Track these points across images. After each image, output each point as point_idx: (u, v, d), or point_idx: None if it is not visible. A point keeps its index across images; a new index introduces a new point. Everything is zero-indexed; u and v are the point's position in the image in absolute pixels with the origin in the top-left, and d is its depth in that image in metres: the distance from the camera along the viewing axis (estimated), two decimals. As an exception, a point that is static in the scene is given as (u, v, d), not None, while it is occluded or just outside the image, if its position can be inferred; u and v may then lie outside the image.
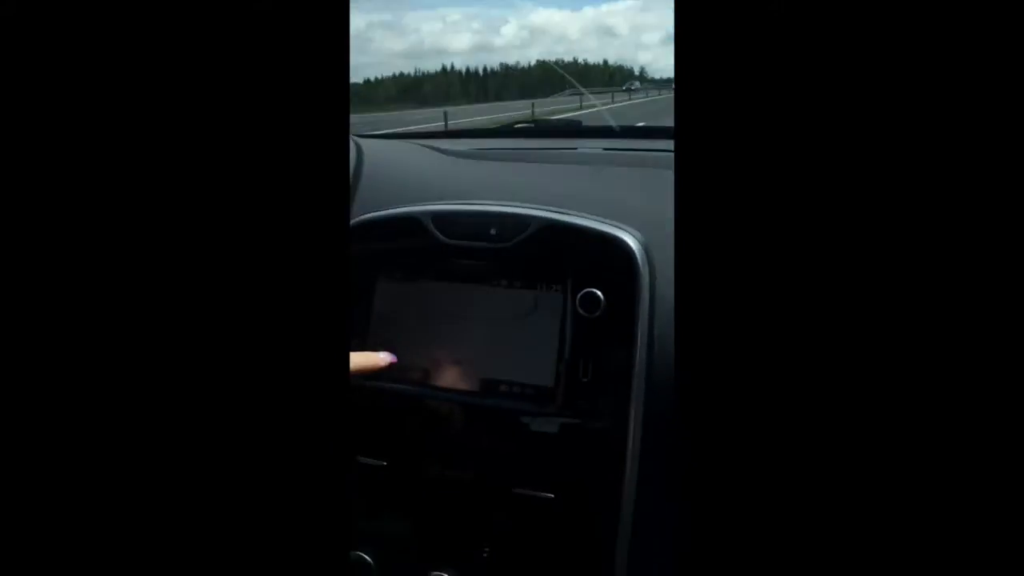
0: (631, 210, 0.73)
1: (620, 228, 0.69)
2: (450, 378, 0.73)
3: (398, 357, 0.75)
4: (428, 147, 1.12)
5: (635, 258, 0.67)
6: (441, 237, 0.74)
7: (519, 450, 0.71)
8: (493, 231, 0.72)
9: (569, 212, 0.72)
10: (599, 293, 0.67)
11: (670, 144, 1.06)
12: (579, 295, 0.68)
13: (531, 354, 0.70)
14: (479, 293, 0.73)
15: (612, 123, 1.23)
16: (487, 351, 0.72)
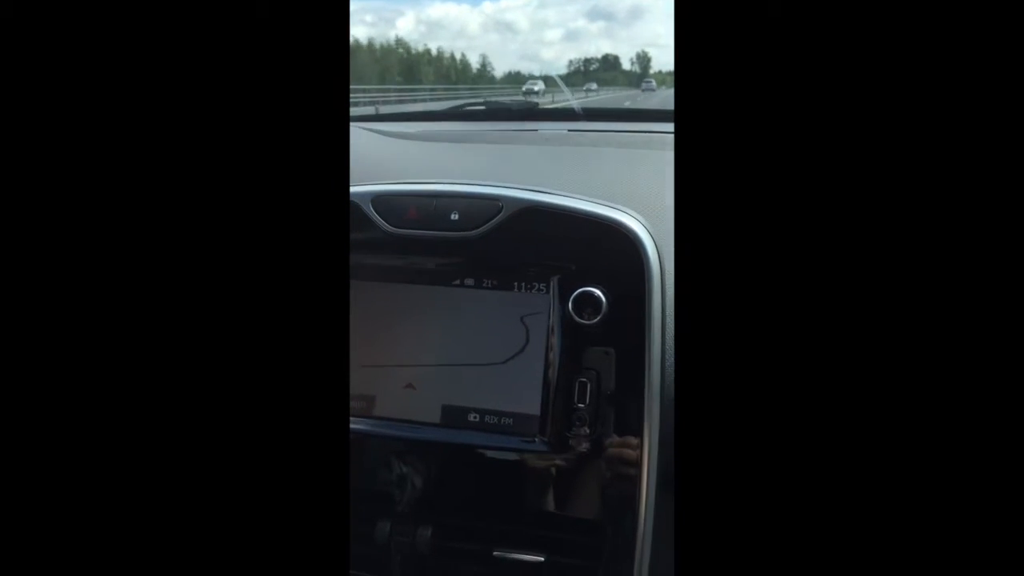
0: (629, 193, 0.58)
1: (621, 211, 0.54)
2: (402, 407, 0.56)
3: None
4: (367, 129, 0.95)
5: (643, 248, 0.52)
6: (385, 226, 0.57)
7: (496, 499, 0.54)
8: (454, 216, 0.56)
9: (552, 191, 0.56)
10: (599, 293, 0.52)
11: (645, 126, 0.93)
12: (572, 296, 0.52)
13: (509, 373, 0.54)
14: (438, 296, 0.56)
15: (575, 105, 1.09)
16: (450, 371, 0.56)
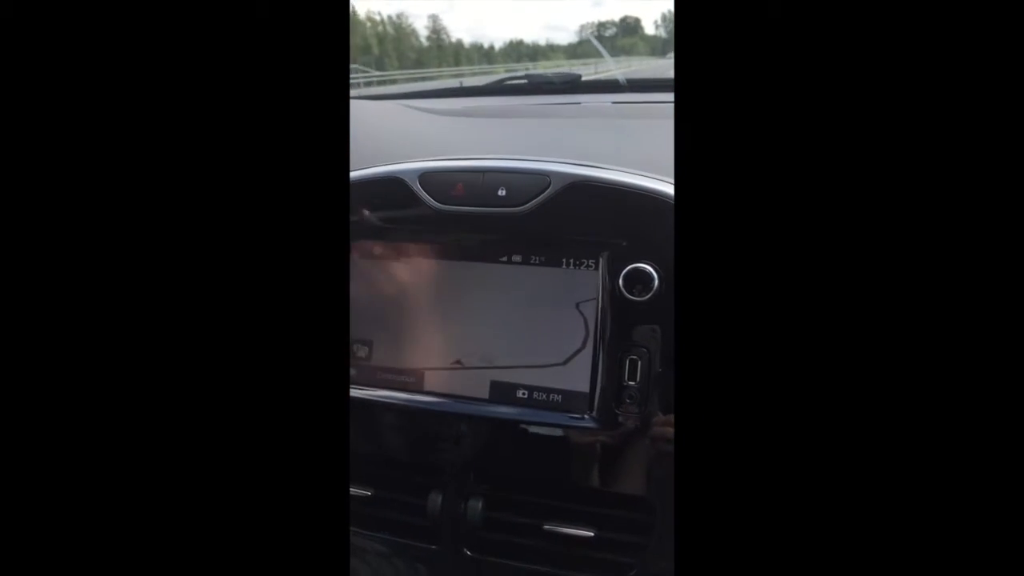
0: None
1: (672, 184, 0.53)
2: (451, 382, 0.56)
3: (382, 357, 0.58)
4: (411, 107, 0.95)
5: None
6: (432, 202, 0.57)
7: (546, 475, 0.55)
8: (502, 192, 0.55)
9: (600, 166, 0.56)
10: (650, 269, 0.51)
11: None
12: (622, 273, 0.51)
13: (558, 351, 0.54)
14: (486, 273, 0.56)
15: (619, 76, 1.06)
16: (498, 347, 0.56)
